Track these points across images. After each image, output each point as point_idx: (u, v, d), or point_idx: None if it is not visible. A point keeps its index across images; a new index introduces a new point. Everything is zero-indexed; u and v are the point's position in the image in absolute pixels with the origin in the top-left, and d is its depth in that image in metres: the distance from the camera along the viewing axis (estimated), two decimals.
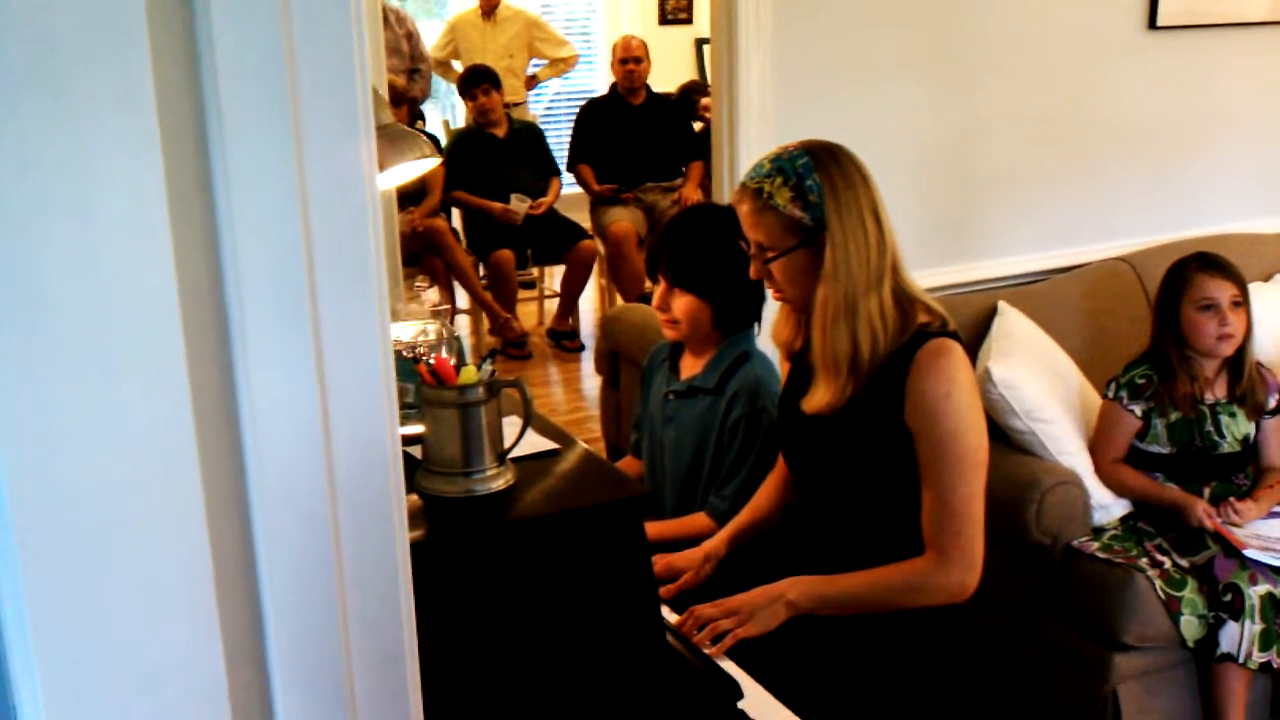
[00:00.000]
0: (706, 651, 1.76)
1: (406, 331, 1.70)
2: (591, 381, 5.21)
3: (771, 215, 1.87)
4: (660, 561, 2.05)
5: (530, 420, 1.54)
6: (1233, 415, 2.65)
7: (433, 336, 1.73)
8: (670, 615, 1.88)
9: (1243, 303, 2.66)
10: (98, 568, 0.73)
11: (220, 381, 0.77)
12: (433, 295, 1.81)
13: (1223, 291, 2.63)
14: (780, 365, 2.15)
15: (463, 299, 5.84)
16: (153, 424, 0.73)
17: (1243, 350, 2.67)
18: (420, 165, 1.96)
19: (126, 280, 0.71)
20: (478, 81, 5.74)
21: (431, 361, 1.50)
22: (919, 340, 1.84)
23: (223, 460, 0.78)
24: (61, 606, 0.72)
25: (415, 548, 1.22)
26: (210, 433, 0.77)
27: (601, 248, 5.92)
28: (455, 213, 6.04)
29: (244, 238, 0.75)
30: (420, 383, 1.50)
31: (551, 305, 6.19)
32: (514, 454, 1.54)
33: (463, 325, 6.08)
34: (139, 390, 0.72)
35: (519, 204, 5.68)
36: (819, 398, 1.88)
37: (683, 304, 2.28)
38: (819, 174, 1.84)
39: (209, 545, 0.77)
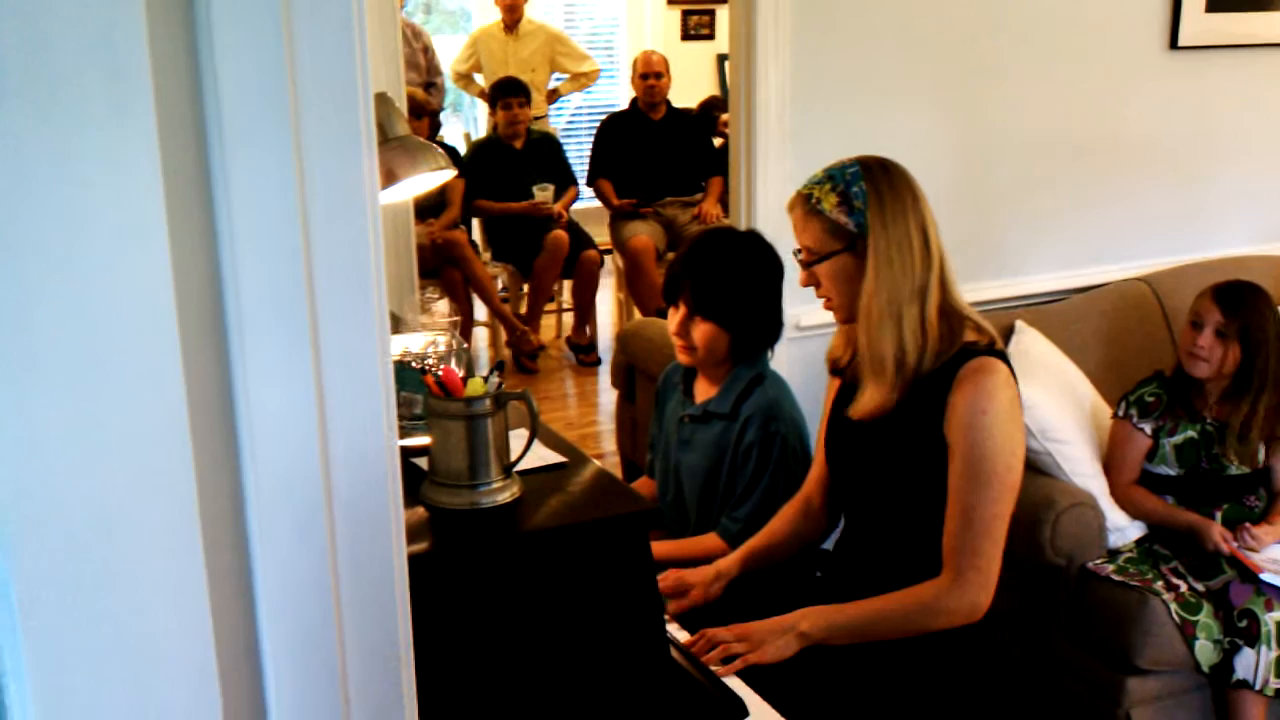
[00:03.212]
0: (714, 670, 1.75)
1: (416, 343, 1.70)
2: (607, 395, 5.20)
3: (817, 220, 1.92)
4: (671, 575, 2.06)
5: (536, 433, 1.53)
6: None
7: (442, 348, 1.73)
8: (680, 634, 1.88)
9: None
10: (91, 576, 0.73)
11: (218, 393, 0.77)
12: (442, 306, 1.81)
13: None
14: (828, 385, 2.16)
15: (481, 311, 5.86)
16: (149, 435, 0.73)
17: None
18: (435, 177, 1.97)
19: (123, 292, 0.71)
20: (513, 92, 5.77)
21: (439, 373, 1.50)
22: (965, 356, 1.87)
23: (219, 471, 0.78)
24: (53, 614, 0.72)
25: (419, 559, 1.22)
26: (207, 444, 0.77)
27: (620, 262, 5.92)
28: (475, 224, 6.05)
29: (243, 250, 0.75)
30: (427, 394, 1.50)
31: (570, 318, 6.20)
32: (521, 467, 1.53)
33: (481, 337, 6.09)
34: (136, 401, 0.72)
35: (542, 193, 5.72)
36: (866, 400, 1.92)
37: (703, 332, 2.27)
38: (866, 182, 1.89)
39: (204, 555, 0.77)
